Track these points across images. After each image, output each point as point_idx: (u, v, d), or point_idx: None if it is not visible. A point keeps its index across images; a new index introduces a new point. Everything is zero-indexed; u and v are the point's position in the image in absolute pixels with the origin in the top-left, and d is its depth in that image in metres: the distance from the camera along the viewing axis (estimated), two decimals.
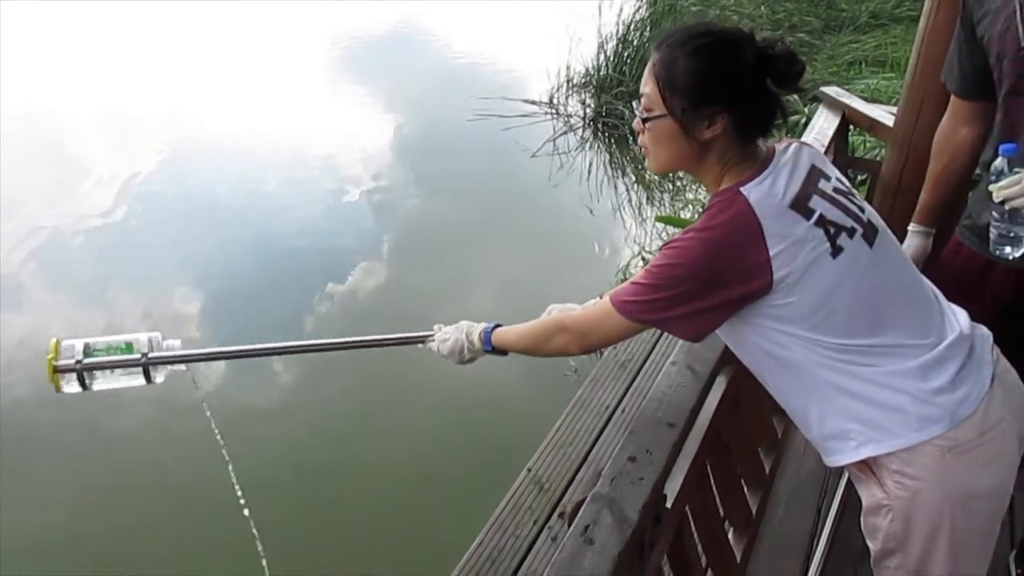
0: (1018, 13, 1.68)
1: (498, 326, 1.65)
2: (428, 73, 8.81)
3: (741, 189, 1.26)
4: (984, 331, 1.40)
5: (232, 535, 3.29)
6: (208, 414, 2.00)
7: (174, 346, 1.72)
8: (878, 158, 3.39)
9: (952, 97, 1.98)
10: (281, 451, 3.82)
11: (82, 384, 1.66)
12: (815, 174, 1.31)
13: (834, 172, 1.36)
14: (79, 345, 1.67)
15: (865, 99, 3.27)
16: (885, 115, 2.94)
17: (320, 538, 3.35)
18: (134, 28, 9.34)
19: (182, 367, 1.74)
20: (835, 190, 1.31)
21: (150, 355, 1.69)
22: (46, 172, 6.59)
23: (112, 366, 1.68)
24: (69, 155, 6.90)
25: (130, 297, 4.90)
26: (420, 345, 1.75)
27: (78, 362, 1.65)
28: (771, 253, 1.22)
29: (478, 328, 1.66)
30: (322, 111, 7.96)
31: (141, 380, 1.70)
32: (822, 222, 1.26)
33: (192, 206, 6.10)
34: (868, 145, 4.80)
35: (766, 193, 1.25)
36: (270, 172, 6.60)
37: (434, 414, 4.03)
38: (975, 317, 1.42)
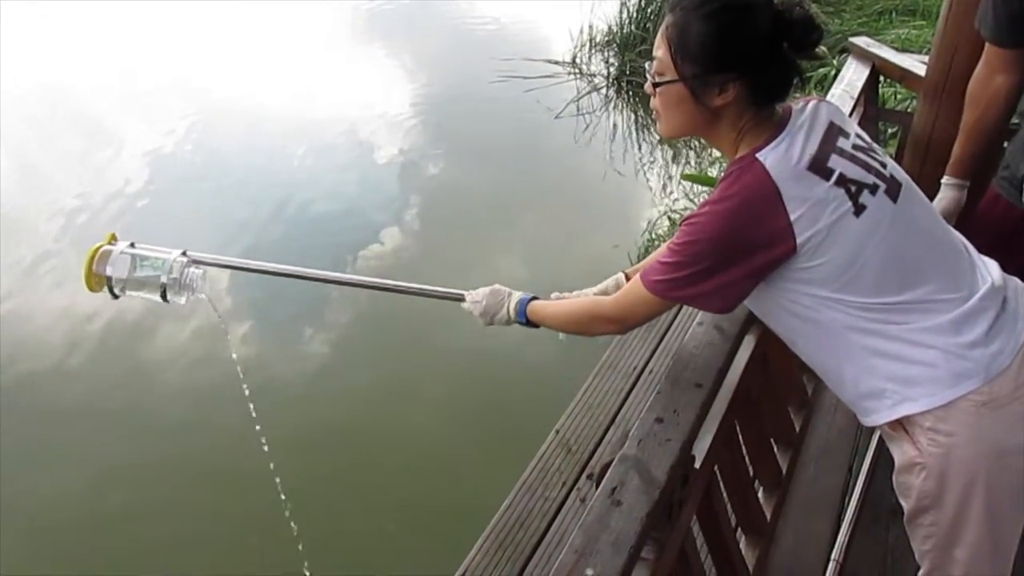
0: None
1: (534, 298, 1.63)
2: (450, 35, 8.74)
3: (757, 155, 1.23)
4: (1018, 283, 1.37)
5: (262, 497, 3.37)
6: (233, 356, 2.06)
7: (198, 274, 1.82)
8: (910, 109, 3.31)
9: (987, 45, 1.93)
10: (311, 415, 3.86)
11: (111, 288, 1.77)
12: (833, 132, 1.28)
13: (854, 128, 1.33)
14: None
15: (896, 49, 3.18)
16: (917, 65, 2.86)
17: (348, 501, 3.40)
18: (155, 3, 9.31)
19: (203, 296, 1.85)
20: (855, 147, 1.29)
21: (189, 254, 1.81)
22: (75, 145, 6.63)
23: (156, 254, 1.80)
24: (95, 128, 6.94)
25: None
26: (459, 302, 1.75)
27: (131, 244, 1.78)
28: (792, 217, 1.20)
29: (514, 299, 1.64)
30: (345, 76, 7.92)
31: (175, 298, 1.80)
32: (842, 181, 1.23)
33: (217, 173, 6.11)
34: (899, 96, 4.69)
35: (782, 157, 1.23)
36: (294, 138, 6.59)
37: (462, 376, 4.05)
38: (1012, 270, 1.39)
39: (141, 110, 7.27)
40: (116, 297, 1.80)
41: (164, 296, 1.78)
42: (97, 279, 1.75)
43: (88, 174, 6.08)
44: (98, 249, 1.76)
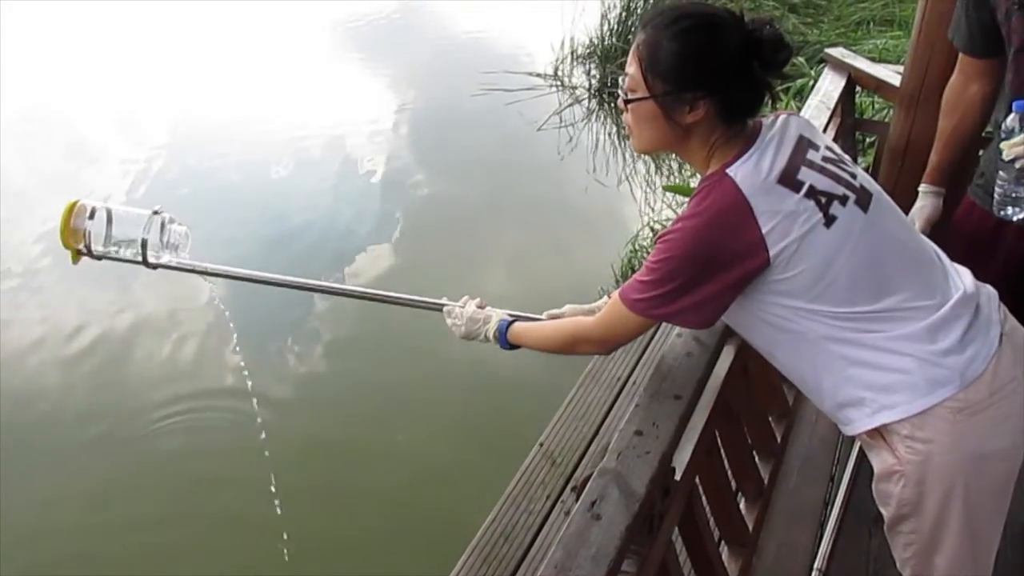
0: None
1: (513, 321, 1.63)
2: (432, 49, 8.74)
3: (727, 171, 1.25)
4: (990, 290, 1.39)
5: (253, 509, 3.36)
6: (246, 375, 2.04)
7: (181, 231, 1.79)
8: (886, 119, 3.33)
9: (960, 55, 1.94)
10: (293, 427, 3.84)
11: (88, 247, 1.73)
12: (803, 145, 1.30)
13: (823, 140, 1.35)
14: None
15: (872, 59, 3.22)
16: (892, 75, 2.89)
17: (331, 515, 3.38)
18: (135, 16, 9.28)
19: (186, 255, 1.82)
20: (824, 159, 1.30)
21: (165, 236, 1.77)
22: (56, 162, 6.59)
23: (136, 210, 1.76)
24: (75, 145, 6.89)
25: (145, 279, 4.87)
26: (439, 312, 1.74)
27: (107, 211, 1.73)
28: (764, 231, 1.22)
29: (493, 323, 1.64)
30: (327, 90, 7.92)
31: (157, 256, 1.77)
32: (812, 193, 1.24)
33: (199, 188, 6.09)
34: (877, 106, 4.73)
35: (752, 171, 1.24)
36: (276, 153, 6.57)
37: (446, 388, 4.04)
38: (987, 278, 1.40)
39: (119, 125, 7.23)
40: (93, 256, 1.75)
41: (144, 256, 1.74)
42: (74, 235, 1.72)
43: (65, 191, 6.03)
44: (74, 204, 1.72)
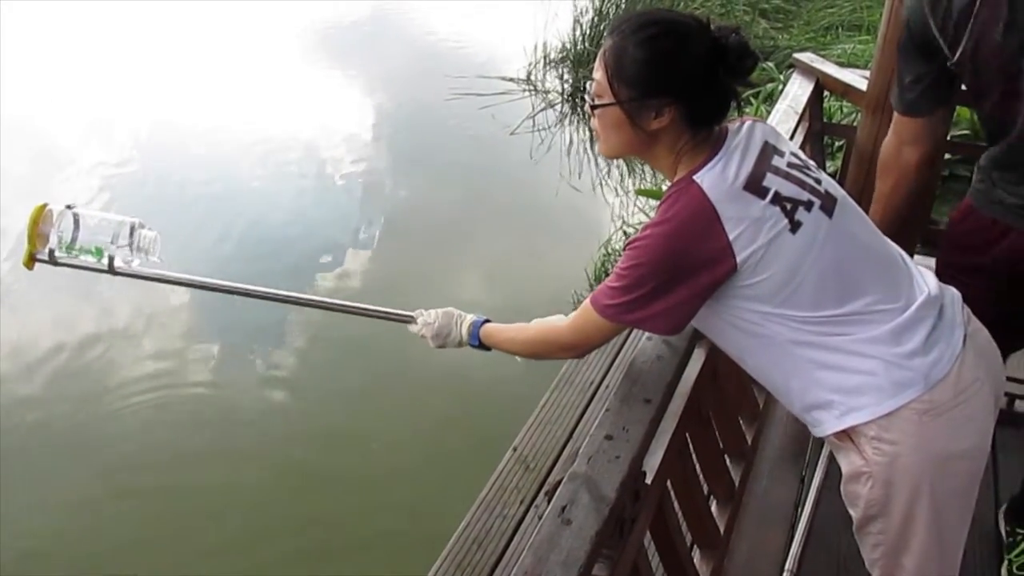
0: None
1: (487, 321, 1.63)
2: (404, 53, 8.72)
3: (694, 177, 1.25)
4: (954, 292, 1.41)
5: (220, 514, 3.34)
6: None
7: (151, 236, 1.76)
8: (854, 123, 3.36)
9: (895, 116, 1.89)
10: (269, 433, 3.81)
11: (52, 255, 1.69)
12: (768, 151, 1.31)
13: (788, 147, 1.36)
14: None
15: (840, 64, 3.24)
16: (859, 79, 2.91)
17: (299, 523, 3.35)
18: (103, 21, 9.16)
19: (157, 259, 1.78)
20: (789, 165, 1.31)
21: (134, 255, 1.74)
22: (21, 165, 6.49)
23: (103, 214, 1.74)
24: (44, 148, 6.79)
25: (119, 288, 4.82)
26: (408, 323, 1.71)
27: (70, 207, 1.70)
28: (730, 237, 1.23)
29: (467, 321, 1.63)
30: (300, 96, 7.86)
31: (126, 261, 1.74)
32: (777, 199, 1.26)
33: (170, 194, 6.01)
34: (845, 110, 4.78)
35: (718, 177, 1.25)
36: (249, 159, 6.52)
37: (419, 393, 4.03)
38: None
39: (90, 131, 7.13)
40: (54, 262, 1.71)
41: (111, 264, 1.71)
42: (42, 240, 1.68)
43: (33, 195, 5.93)
44: (42, 208, 1.68)
